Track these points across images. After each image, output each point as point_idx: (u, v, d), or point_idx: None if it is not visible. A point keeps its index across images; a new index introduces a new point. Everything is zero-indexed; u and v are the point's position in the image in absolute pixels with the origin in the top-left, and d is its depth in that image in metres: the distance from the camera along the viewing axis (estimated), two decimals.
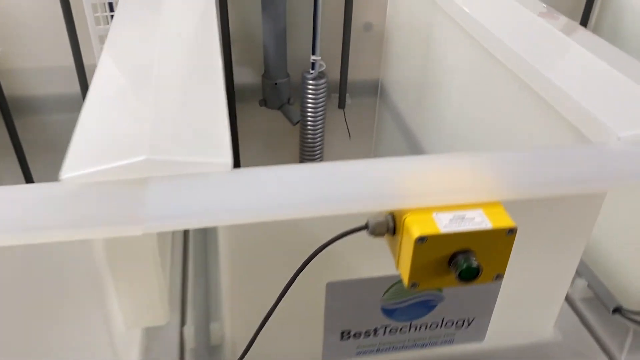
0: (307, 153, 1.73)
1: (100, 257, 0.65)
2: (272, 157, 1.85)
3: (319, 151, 1.75)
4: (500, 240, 0.59)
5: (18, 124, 1.64)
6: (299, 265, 0.64)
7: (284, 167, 0.64)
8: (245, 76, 1.66)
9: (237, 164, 1.78)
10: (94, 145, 0.64)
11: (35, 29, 1.59)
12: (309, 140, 1.71)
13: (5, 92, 1.58)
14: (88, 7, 1.40)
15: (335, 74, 1.67)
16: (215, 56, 0.87)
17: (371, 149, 1.91)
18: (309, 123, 1.67)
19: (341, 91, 1.69)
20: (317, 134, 1.70)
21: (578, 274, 0.99)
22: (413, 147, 1.52)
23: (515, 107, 0.96)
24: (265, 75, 1.58)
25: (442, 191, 0.61)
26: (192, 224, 0.59)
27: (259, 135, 1.79)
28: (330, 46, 1.64)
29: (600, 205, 0.70)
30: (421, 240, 0.58)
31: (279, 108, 1.57)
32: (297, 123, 1.56)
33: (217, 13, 1.44)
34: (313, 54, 1.56)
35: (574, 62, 0.86)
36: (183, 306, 0.91)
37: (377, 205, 0.60)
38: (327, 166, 0.65)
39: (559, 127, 0.81)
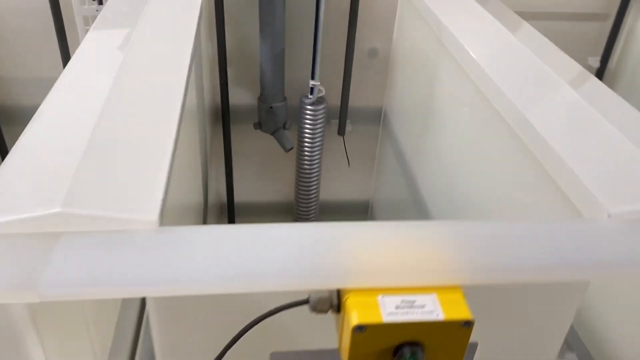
0: (304, 180, 1.66)
1: (22, 317, 0.58)
2: (268, 181, 1.78)
3: (315, 179, 1.67)
4: (454, 333, 0.51)
5: (7, 133, 1.60)
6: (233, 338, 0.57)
7: (216, 228, 0.57)
8: (241, 97, 1.60)
9: (229, 187, 1.73)
10: (12, 189, 0.57)
11: (27, 40, 1.56)
12: (306, 166, 1.63)
13: None
14: (79, 19, 1.36)
15: (336, 99, 1.59)
16: (179, 84, 0.80)
17: (371, 178, 1.82)
18: (306, 149, 1.60)
19: (341, 118, 1.62)
20: (314, 161, 1.63)
21: (568, 346, 0.89)
22: (410, 183, 1.44)
23: (509, 162, 0.87)
24: (262, 97, 1.51)
25: (391, 269, 0.53)
26: (101, 293, 0.52)
27: (255, 158, 1.72)
28: (332, 70, 1.57)
29: (583, 293, 0.61)
30: (360, 329, 0.50)
31: (273, 133, 1.50)
32: (289, 150, 1.49)
33: (208, 33, 1.39)
34: (312, 78, 1.49)
35: (577, 122, 0.76)
36: None
37: (315, 284, 0.53)
38: (266, 230, 0.58)
39: (551, 192, 0.73)
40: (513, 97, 0.82)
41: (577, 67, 0.94)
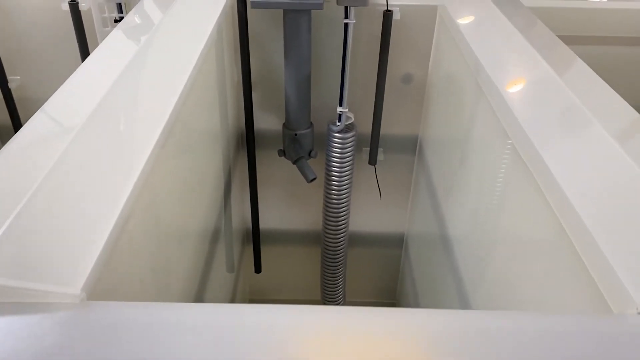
0: (332, 210, 1.57)
1: None
2: (294, 208, 1.70)
3: (344, 209, 1.58)
4: None
5: None
6: None
7: (152, 307, 0.49)
8: (267, 122, 1.53)
9: (254, 213, 1.66)
10: None
11: (52, 60, 1.55)
12: (334, 196, 1.54)
13: (23, 121, 1.54)
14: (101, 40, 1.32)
15: (368, 127, 1.49)
16: (157, 124, 0.73)
17: (406, 210, 1.71)
18: (334, 179, 1.51)
19: (372, 146, 1.51)
20: (343, 191, 1.54)
21: None
22: (439, 219, 1.32)
23: (535, 227, 0.75)
24: (286, 124, 1.43)
25: None
26: None
27: (281, 185, 1.65)
28: (363, 96, 1.48)
29: None
30: None
31: (295, 162, 1.42)
32: (312, 181, 1.41)
33: (233, 56, 1.33)
34: (340, 105, 1.40)
35: (616, 195, 0.63)
36: None
37: None
38: (210, 311, 0.49)
39: (580, 278, 0.60)
40: (549, 160, 0.68)
41: (629, 112, 0.78)
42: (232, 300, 1.63)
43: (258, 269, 1.72)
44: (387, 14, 1.30)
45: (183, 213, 0.96)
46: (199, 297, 1.09)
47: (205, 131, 1.20)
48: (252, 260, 1.71)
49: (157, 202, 0.76)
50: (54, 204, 0.56)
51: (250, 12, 1.30)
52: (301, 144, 1.42)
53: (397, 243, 1.78)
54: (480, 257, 0.98)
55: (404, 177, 1.64)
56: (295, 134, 1.42)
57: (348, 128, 1.46)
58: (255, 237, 1.67)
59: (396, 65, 1.43)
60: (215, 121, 1.33)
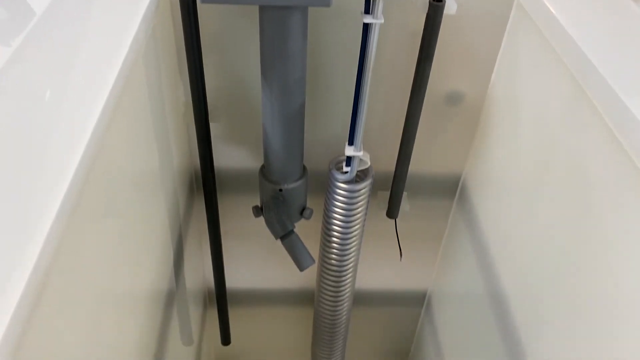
0: (331, 272, 1.08)
1: None
2: (273, 266, 1.21)
3: (348, 272, 1.09)
4: None
5: None
6: None
7: None
8: (234, 158, 1.01)
9: (218, 270, 1.16)
10: None
11: None
12: (334, 259, 1.05)
13: None
14: None
15: (387, 164, 0.99)
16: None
17: (433, 265, 1.23)
18: (335, 240, 1.01)
19: (395, 193, 1.01)
20: (348, 253, 1.04)
21: None
22: (488, 275, 0.90)
23: None
24: (265, 173, 0.91)
25: None
26: None
27: (255, 237, 1.14)
28: (386, 123, 0.96)
29: None
30: None
31: (281, 238, 0.91)
32: (306, 268, 0.91)
33: (177, 68, 0.78)
34: (350, 143, 0.89)
35: None
36: None
37: None
38: None
39: None
40: None
41: None
42: None
43: (226, 339, 1.25)
44: (436, 7, 0.77)
45: (121, 281, 0.68)
46: None
47: (139, 176, 0.74)
48: (217, 328, 1.24)
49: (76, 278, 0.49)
50: None
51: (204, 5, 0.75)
52: (289, 203, 0.91)
53: (416, 302, 1.32)
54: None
55: (435, 227, 1.15)
56: (280, 189, 0.90)
57: (361, 175, 0.95)
58: (220, 301, 1.18)
59: (439, 79, 0.91)
60: (154, 161, 0.82)
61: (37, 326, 0.40)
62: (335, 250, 1.04)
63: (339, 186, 0.94)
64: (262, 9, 0.69)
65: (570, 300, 0.67)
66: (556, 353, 0.70)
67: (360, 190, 0.95)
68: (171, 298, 0.96)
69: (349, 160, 0.91)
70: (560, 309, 0.70)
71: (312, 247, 0.99)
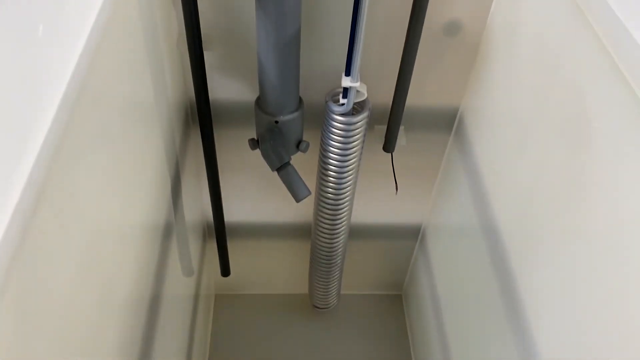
0: (327, 206, 1.09)
1: None
2: (271, 199, 1.22)
3: (344, 206, 1.10)
4: None
5: None
6: None
7: None
8: (230, 90, 1.00)
9: (217, 204, 1.18)
10: None
11: None
12: (330, 193, 1.06)
13: None
14: None
15: (384, 97, 0.98)
16: None
17: (428, 199, 1.24)
18: (332, 173, 1.02)
19: (392, 127, 1.01)
20: (344, 187, 1.05)
21: None
22: (481, 207, 0.92)
23: None
24: (261, 105, 0.90)
25: None
26: None
27: (251, 170, 1.15)
28: (382, 55, 0.95)
29: None
30: None
31: (277, 170, 0.91)
32: (302, 199, 0.92)
33: None
34: (347, 74, 0.87)
35: None
36: None
37: None
38: None
39: None
40: None
41: None
42: (195, 304, 1.22)
43: (225, 271, 1.27)
44: None
45: (117, 212, 0.68)
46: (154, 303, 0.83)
47: (132, 105, 0.73)
48: (216, 259, 1.26)
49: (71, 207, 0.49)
50: None
51: None
52: (285, 136, 0.91)
53: (410, 235, 1.34)
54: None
55: (430, 161, 1.15)
56: (276, 121, 0.89)
57: (357, 108, 0.95)
58: (219, 233, 1.20)
59: (438, 8, 0.88)
60: (147, 91, 0.81)
61: (29, 251, 0.40)
62: (331, 184, 1.04)
63: (336, 119, 0.93)
64: None
65: (563, 232, 0.68)
66: (546, 282, 0.72)
67: (356, 123, 0.94)
68: (170, 230, 0.97)
69: (345, 91, 0.90)
70: (552, 240, 0.71)
71: (309, 180, 1.00)
